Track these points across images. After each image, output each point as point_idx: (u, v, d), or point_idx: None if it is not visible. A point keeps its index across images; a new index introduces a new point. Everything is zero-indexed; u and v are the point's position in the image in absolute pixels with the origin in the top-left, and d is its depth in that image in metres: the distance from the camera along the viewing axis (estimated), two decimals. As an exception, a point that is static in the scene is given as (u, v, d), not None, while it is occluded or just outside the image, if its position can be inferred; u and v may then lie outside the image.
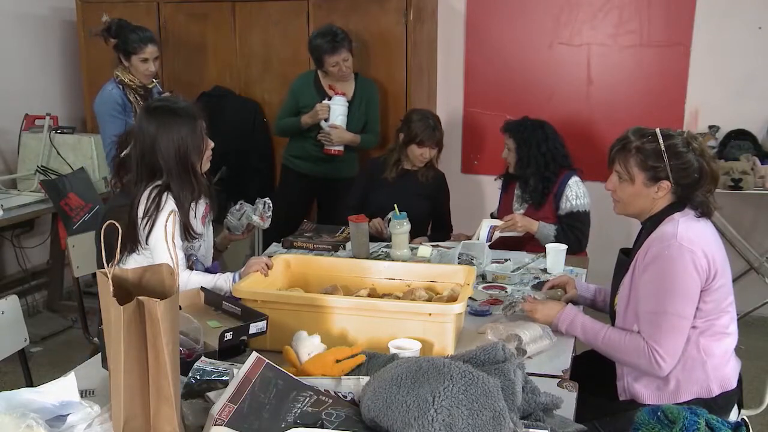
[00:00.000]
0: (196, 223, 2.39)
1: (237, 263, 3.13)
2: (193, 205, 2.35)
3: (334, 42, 3.66)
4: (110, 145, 3.43)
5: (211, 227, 2.58)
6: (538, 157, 3.10)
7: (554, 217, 3.11)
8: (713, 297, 1.97)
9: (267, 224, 2.83)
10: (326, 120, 3.71)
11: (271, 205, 2.84)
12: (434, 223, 3.52)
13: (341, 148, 3.77)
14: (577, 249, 3.05)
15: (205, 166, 2.42)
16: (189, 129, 2.30)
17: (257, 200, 2.86)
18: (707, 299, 1.96)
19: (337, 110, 3.72)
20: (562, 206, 3.09)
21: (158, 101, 2.47)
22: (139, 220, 2.28)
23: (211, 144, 2.42)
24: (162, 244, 2.25)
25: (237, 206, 2.85)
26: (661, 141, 2.00)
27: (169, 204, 2.28)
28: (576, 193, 3.08)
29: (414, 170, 3.42)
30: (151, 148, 2.28)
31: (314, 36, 3.75)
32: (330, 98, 3.74)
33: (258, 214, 2.79)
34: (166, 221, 2.24)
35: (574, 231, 3.05)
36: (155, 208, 2.27)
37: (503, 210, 3.33)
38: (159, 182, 2.30)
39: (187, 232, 2.34)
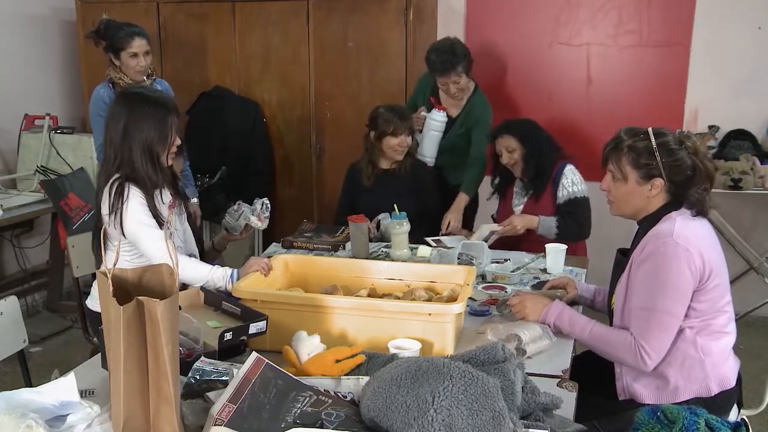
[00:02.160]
0: (163, 209, 2.39)
1: (237, 263, 3.12)
2: (157, 192, 2.36)
3: (447, 63, 3.44)
4: (100, 147, 3.43)
5: (184, 217, 2.57)
6: (542, 140, 3.12)
7: (553, 207, 3.10)
8: (708, 297, 1.97)
9: (265, 225, 2.83)
10: (420, 131, 3.57)
11: (269, 205, 2.83)
12: (428, 216, 3.39)
13: (432, 163, 3.62)
14: (580, 235, 3.07)
15: (168, 160, 2.42)
16: (159, 119, 2.31)
17: (255, 200, 2.86)
18: (702, 299, 1.96)
19: (430, 125, 3.57)
20: (559, 195, 3.10)
21: (134, 88, 2.47)
22: (106, 217, 2.29)
23: (178, 141, 2.42)
24: (141, 228, 2.26)
25: (235, 206, 2.85)
26: (652, 139, 2.01)
27: (134, 191, 2.28)
28: (572, 180, 3.09)
29: (392, 169, 3.37)
30: (121, 132, 2.29)
31: (432, 48, 3.53)
32: (429, 110, 3.60)
33: (256, 214, 2.79)
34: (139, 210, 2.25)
35: (575, 217, 3.06)
36: (119, 199, 2.27)
37: (503, 212, 3.32)
38: (117, 175, 2.30)
39: (156, 218, 2.33)
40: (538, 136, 3.15)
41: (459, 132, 3.62)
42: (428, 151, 3.62)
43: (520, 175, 3.20)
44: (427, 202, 3.40)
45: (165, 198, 2.42)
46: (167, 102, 2.37)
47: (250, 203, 2.92)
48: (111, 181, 2.30)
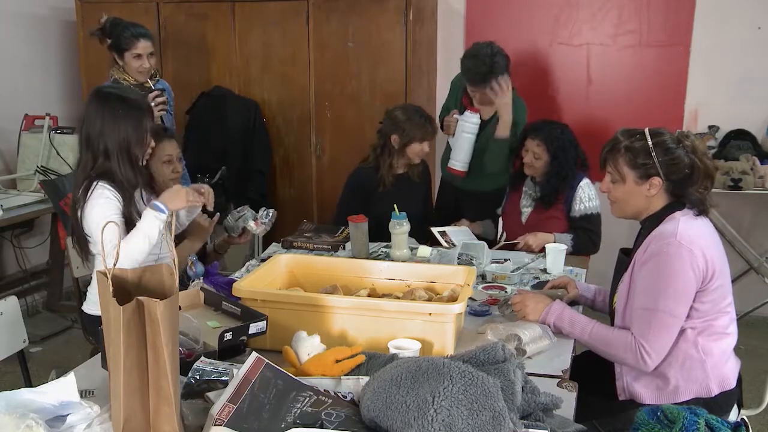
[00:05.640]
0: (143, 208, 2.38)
1: (237, 265, 3.14)
2: (137, 194, 2.36)
3: (483, 75, 3.22)
4: None
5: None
6: (570, 163, 3.06)
7: (563, 218, 3.08)
8: (710, 297, 1.97)
9: (260, 230, 2.83)
10: (452, 135, 3.50)
11: (269, 213, 2.83)
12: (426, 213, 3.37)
13: (465, 169, 3.48)
14: (591, 250, 3.05)
15: (143, 161, 2.41)
16: (135, 120, 2.31)
17: (262, 209, 2.86)
18: (704, 300, 1.96)
19: (463, 127, 3.42)
20: (575, 208, 3.07)
21: (110, 88, 2.46)
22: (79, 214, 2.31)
23: (152, 143, 2.42)
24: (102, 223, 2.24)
25: (239, 208, 2.85)
26: (648, 138, 2.01)
27: (103, 189, 2.27)
28: (588, 195, 3.07)
29: (404, 173, 3.32)
30: (98, 132, 2.29)
31: (470, 54, 3.29)
32: (462, 113, 3.46)
33: (254, 219, 2.80)
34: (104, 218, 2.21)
35: (588, 233, 3.04)
36: (84, 196, 2.28)
37: (509, 209, 3.30)
38: (94, 176, 2.30)
39: (131, 223, 2.31)
40: (567, 157, 3.06)
41: (494, 130, 3.39)
42: (461, 155, 3.47)
43: (529, 174, 3.16)
44: (427, 196, 3.42)
45: (144, 197, 2.42)
46: (141, 103, 2.37)
47: (252, 203, 2.92)
48: (87, 180, 2.29)
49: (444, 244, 3.05)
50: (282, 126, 4.37)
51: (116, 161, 2.29)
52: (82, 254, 2.43)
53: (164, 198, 2.26)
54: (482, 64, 3.22)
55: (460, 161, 3.49)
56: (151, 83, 3.45)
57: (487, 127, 3.46)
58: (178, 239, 2.72)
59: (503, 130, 3.29)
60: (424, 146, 3.25)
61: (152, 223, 2.22)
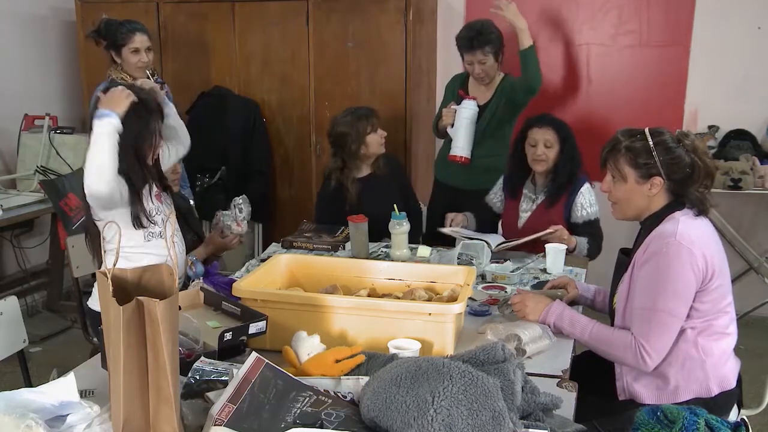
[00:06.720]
0: (150, 203, 2.39)
1: (237, 264, 3.14)
2: (145, 191, 2.36)
3: (474, 39, 3.47)
4: None
5: (171, 202, 2.55)
6: (576, 159, 3.05)
7: (562, 221, 3.04)
8: (710, 297, 1.97)
9: (245, 228, 2.84)
10: (452, 126, 3.54)
11: (238, 202, 2.84)
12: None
13: (467, 155, 3.52)
14: (596, 255, 3.03)
15: (152, 159, 2.41)
16: (144, 121, 2.29)
17: (233, 200, 2.86)
18: (704, 299, 1.97)
19: (461, 113, 3.50)
20: (577, 214, 3.03)
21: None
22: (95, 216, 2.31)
23: (162, 143, 2.42)
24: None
25: (215, 219, 2.86)
26: (649, 138, 2.01)
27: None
28: (589, 201, 3.04)
29: (368, 174, 3.33)
30: None
31: (465, 26, 3.63)
32: (460, 102, 3.55)
33: (234, 221, 2.81)
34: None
35: (595, 238, 3.02)
36: None
37: (509, 212, 3.27)
38: None
39: (138, 220, 2.31)
40: (573, 143, 3.07)
41: (493, 112, 3.53)
42: (461, 141, 3.50)
43: (540, 170, 3.07)
44: (405, 187, 3.44)
45: (152, 192, 2.41)
46: (151, 104, 2.36)
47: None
48: None
49: (461, 237, 3.01)
50: (282, 126, 4.37)
51: (125, 161, 2.28)
52: (93, 253, 2.43)
53: (105, 105, 2.23)
54: (473, 29, 3.51)
55: (461, 147, 3.51)
56: (152, 79, 3.44)
57: (486, 110, 3.52)
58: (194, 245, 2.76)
59: (525, 39, 3.50)
60: (379, 134, 3.28)
61: (99, 128, 2.20)
